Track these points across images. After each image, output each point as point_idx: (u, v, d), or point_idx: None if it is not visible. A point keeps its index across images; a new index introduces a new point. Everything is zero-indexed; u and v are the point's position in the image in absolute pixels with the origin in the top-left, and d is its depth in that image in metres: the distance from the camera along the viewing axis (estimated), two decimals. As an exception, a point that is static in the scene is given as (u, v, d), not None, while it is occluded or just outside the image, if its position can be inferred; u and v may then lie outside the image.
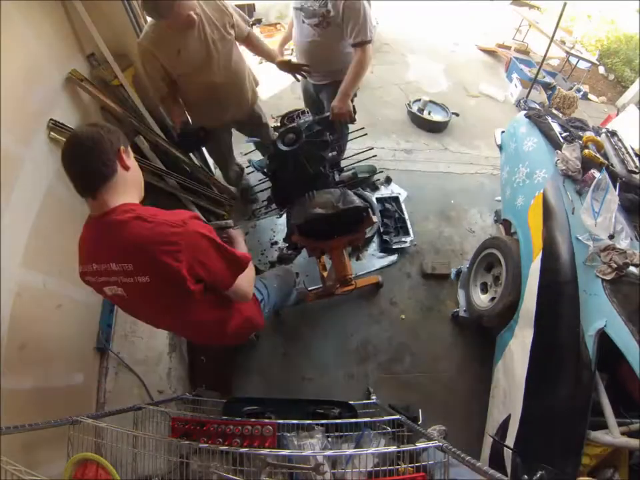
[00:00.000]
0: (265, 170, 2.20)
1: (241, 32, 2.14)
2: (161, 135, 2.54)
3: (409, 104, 4.49)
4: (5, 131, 1.41)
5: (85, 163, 1.06)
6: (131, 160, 1.16)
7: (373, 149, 2.65)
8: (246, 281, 1.36)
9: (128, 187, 1.15)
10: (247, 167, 2.74)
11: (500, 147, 2.91)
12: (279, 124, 2.33)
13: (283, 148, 1.95)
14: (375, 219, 2.00)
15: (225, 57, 2.06)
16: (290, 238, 1.97)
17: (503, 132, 2.89)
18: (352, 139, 2.34)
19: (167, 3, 1.70)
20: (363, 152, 2.50)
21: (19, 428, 1.03)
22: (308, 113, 2.26)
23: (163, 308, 1.25)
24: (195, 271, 1.10)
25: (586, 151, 2.22)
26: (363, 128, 2.45)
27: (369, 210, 1.98)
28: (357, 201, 1.92)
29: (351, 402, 1.86)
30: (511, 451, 1.74)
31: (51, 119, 1.71)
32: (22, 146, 1.54)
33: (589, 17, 7.55)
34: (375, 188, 3.51)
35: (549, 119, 2.50)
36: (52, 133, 1.72)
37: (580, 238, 1.85)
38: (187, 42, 1.90)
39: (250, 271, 1.38)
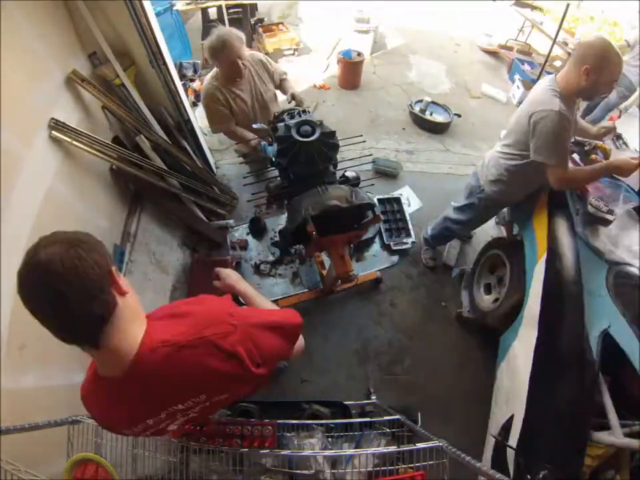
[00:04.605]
0: (273, 158, 2.18)
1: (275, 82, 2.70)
2: (162, 135, 2.54)
3: (410, 105, 4.49)
4: (6, 130, 1.41)
5: (71, 307, 0.71)
6: (122, 278, 0.82)
7: (371, 155, 2.63)
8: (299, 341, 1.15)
9: (132, 315, 0.84)
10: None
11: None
12: (274, 120, 2.32)
13: (297, 137, 1.94)
14: (382, 217, 2.02)
15: (264, 103, 2.65)
16: (296, 230, 1.94)
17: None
18: (350, 144, 2.33)
19: (221, 43, 2.20)
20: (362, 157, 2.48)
21: (18, 428, 1.03)
22: (309, 112, 2.25)
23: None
24: (256, 361, 0.93)
25: (593, 156, 2.22)
26: (361, 135, 2.44)
27: (377, 207, 2.01)
28: (367, 198, 1.94)
29: (349, 402, 1.86)
30: (513, 451, 1.73)
31: (52, 118, 1.71)
32: (23, 145, 1.54)
33: (591, 18, 7.54)
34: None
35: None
36: (53, 132, 1.72)
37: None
38: (239, 92, 2.49)
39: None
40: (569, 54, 5.43)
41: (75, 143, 1.83)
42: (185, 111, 2.72)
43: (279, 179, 2.23)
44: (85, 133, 1.90)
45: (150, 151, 2.43)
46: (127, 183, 2.37)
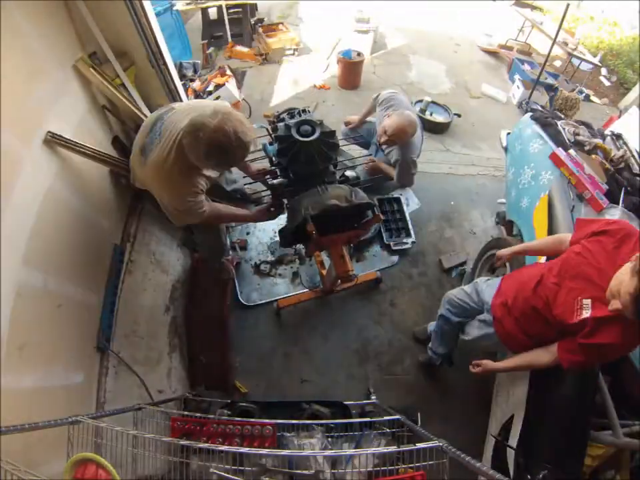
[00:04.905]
0: (274, 158, 2.19)
1: None
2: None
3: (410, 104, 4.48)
4: (6, 130, 1.40)
5: None
6: None
7: (371, 154, 2.63)
8: None
9: None
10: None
11: (505, 149, 2.91)
12: (274, 119, 2.32)
13: (297, 137, 1.94)
14: (382, 216, 2.02)
15: None
16: (296, 230, 1.94)
17: (508, 133, 2.89)
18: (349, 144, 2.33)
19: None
20: (361, 157, 2.48)
21: (18, 428, 1.03)
22: (309, 111, 2.25)
23: None
24: None
25: (593, 156, 2.22)
26: (361, 135, 2.44)
27: (376, 207, 2.01)
28: (367, 198, 1.94)
29: (349, 402, 1.86)
30: (513, 451, 1.73)
31: (48, 132, 1.65)
32: (22, 145, 1.54)
33: (591, 18, 7.55)
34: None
35: (556, 121, 2.50)
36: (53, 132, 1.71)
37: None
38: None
39: None
40: (569, 54, 5.45)
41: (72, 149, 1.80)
42: (185, 110, 2.71)
43: (279, 178, 2.23)
44: (81, 145, 1.84)
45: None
46: (128, 183, 2.37)
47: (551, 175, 2.27)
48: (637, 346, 1.45)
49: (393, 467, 1.20)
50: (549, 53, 4.66)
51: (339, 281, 2.50)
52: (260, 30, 5.29)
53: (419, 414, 2.00)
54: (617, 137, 2.59)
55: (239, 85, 4.52)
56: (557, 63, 6.07)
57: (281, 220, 3.19)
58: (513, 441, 1.77)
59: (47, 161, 1.70)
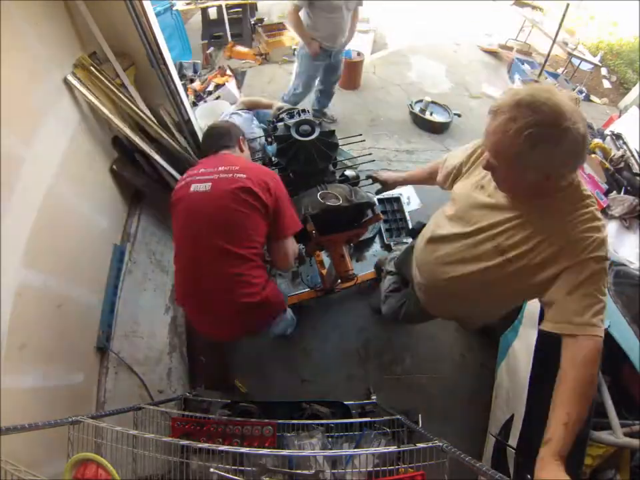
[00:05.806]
0: (273, 158, 2.18)
1: None
2: (162, 133, 2.54)
3: (410, 104, 4.49)
4: (6, 130, 1.40)
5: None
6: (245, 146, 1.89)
7: (371, 154, 2.59)
8: (292, 247, 1.74)
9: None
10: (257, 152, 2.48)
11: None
12: (273, 119, 2.32)
13: (297, 136, 1.94)
14: (382, 215, 2.02)
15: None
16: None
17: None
18: (350, 143, 2.32)
19: None
20: (361, 156, 2.46)
21: (18, 428, 1.03)
22: (308, 111, 2.25)
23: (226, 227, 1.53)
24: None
25: (593, 156, 2.23)
26: (360, 134, 2.42)
27: (377, 207, 2.02)
28: (367, 197, 1.94)
29: (349, 402, 1.86)
30: (514, 451, 1.73)
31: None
32: (22, 145, 1.54)
33: (591, 17, 7.55)
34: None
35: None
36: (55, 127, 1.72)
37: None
38: None
39: (295, 244, 1.78)
40: (569, 54, 5.45)
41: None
42: (185, 111, 2.71)
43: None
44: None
45: (150, 150, 2.43)
46: (128, 183, 2.37)
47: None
48: None
49: (393, 467, 1.20)
50: (549, 53, 4.67)
51: (339, 280, 2.50)
52: (260, 30, 5.29)
53: (420, 416, 2.00)
54: (617, 136, 2.60)
55: (239, 84, 4.52)
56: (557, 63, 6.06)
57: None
58: (513, 441, 1.77)
59: (47, 161, 1.71)
